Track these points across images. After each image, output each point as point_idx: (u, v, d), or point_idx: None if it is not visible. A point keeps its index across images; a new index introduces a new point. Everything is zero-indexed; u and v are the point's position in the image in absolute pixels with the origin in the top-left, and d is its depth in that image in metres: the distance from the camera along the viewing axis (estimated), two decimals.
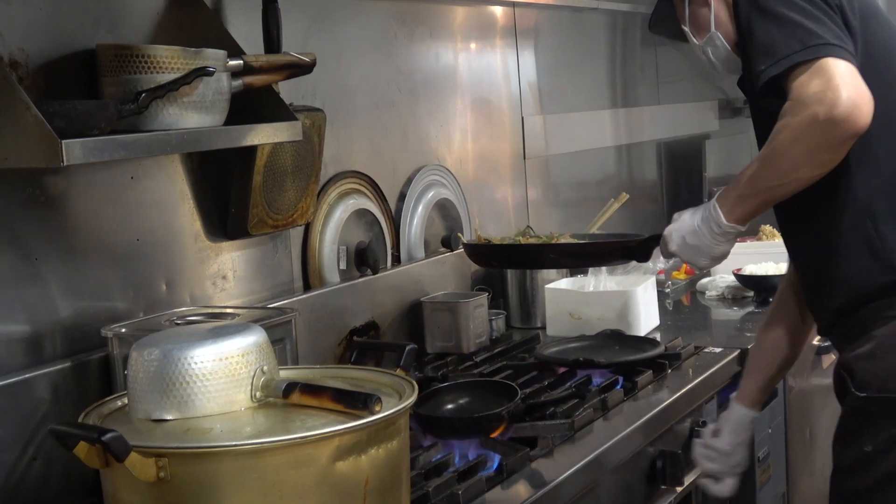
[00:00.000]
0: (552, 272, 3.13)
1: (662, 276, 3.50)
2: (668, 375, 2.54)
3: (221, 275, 2.35)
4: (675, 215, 2.08)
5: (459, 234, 3.05)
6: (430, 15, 3.08)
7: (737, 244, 2.04)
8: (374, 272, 2.72)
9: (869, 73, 1.82)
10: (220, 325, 1.72)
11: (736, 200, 1.94)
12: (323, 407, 1.53)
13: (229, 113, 2.01)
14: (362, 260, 2.72)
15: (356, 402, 1.50)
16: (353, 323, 2.64)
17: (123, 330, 1.99)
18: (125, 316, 2.09)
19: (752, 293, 3.39)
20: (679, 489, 2.34)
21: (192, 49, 1.92)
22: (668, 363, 2.58)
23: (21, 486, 1.87)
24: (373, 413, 1.48)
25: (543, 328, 3.06)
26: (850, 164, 1.88)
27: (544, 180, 3.68)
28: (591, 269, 3.11)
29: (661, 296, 3.33)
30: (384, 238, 2.84)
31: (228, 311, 2.16)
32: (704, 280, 3.53)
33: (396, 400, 1.58)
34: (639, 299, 2.92)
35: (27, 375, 1.89)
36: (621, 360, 2.56)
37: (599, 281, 3.08)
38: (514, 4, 3.47)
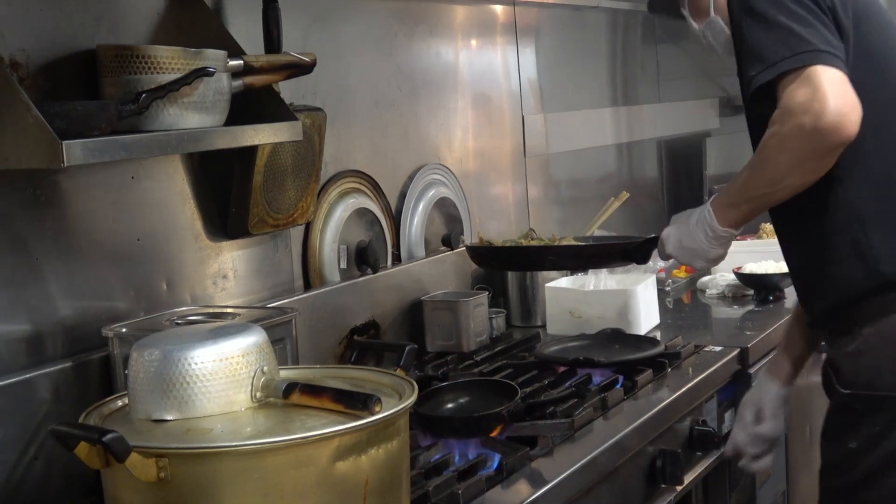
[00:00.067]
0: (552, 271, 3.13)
1: (663, 275, 3.49)
2: (669, 374, 2.54)
3: (222, 274, 2.35)
4: (673, 217, 2.10)
5: (462, 238, 3.06)
6: (430, 13, 3.08)
7: (737, 242, 2.05)
8: (375, 271, 2.72)
9: (861, 75, 1.83)
10: (220, 325, 1.73)
11: (728, 207, 1.97)
12: (323, 407, 1.53)
13: (230, 113, 2.01)
14: (363, 259, 2.72)
15: (356, 402, 1.50)
16: (354, 322, 2.64)
17: (124, 330, 1.99)
18: (126, 316, 2.09)
19: (752, 292, 3.39)
20: (679, 488, 2.34)
21: (193, 49, 1.92)
22: (668, 362, 2.58)
23: (22, 486, 1.87)
24: (373, 413, 1.48)
25: (544, 327, 3.06)
26: (841, 169, 1.89)
27: (545, 178, 3.68)
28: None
29: (662, 294, 3.32)
30: (384, 237, 2.84)
31: (229, 310, 2.16)
32: (705, 278, 3.53)
33: (396, 400, 1.59)
34: (639, 298, 2.92)
35: (28, 375, 1.89)
36: (621, 359, 2.56)
37: (600, 280, 3.08)
38: (514, 3, 3.47)
